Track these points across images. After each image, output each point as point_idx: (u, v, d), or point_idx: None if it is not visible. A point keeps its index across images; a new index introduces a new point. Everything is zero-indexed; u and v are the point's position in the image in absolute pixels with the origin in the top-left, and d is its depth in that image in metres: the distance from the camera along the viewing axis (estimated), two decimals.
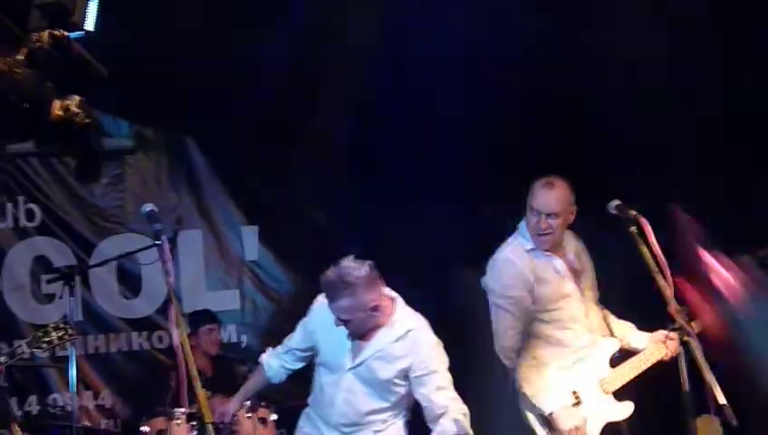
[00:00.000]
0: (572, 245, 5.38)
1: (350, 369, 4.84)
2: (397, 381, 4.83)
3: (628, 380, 5.17)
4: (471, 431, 4.75)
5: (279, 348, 5.17)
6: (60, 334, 5.21)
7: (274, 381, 5.21)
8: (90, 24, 3.02)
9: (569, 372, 5.17)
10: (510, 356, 5.23)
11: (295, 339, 5.09)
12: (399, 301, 4.89)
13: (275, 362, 5.14)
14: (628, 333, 5.36)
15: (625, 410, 5.16)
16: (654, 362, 5.16)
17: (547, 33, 6.50)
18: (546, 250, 5.26)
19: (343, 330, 4.81)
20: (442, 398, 4.77)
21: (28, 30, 3.03)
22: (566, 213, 5.21)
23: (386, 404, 4.88)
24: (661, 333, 5.11)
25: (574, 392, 5.12)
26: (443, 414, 4.73)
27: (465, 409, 4.78)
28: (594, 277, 5.44)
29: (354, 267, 4.68)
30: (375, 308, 4.74)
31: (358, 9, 6.47)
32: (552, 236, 5.21)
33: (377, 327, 4.80)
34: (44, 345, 5.18)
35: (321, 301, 4.93)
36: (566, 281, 5.28)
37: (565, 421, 5.06)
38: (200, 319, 7.19)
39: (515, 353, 5.22)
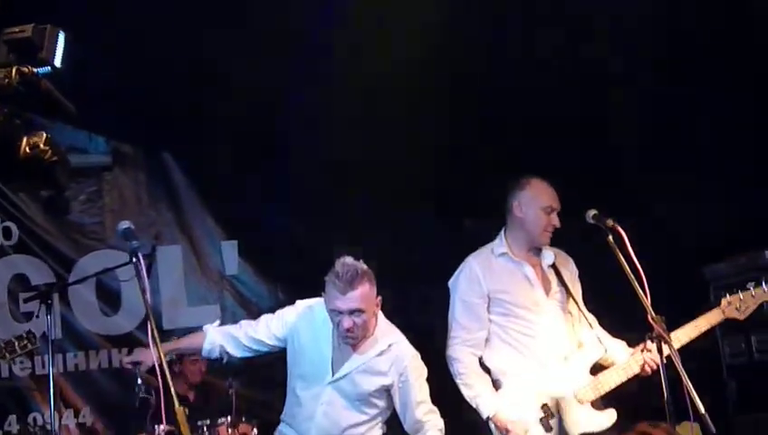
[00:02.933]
0: (551, 256, 5.37)
1: (330, 382, 4.83)
2: (377, 394, 4.85)
3: (605, 390, 5.14)
4: None
5: (230, 328, 5.08)
6: (23, 343, 5.28)
7: (204, 355, 5.15)
8: (58, 61, 3.02)
9: (537, 383, 5.15)
10: (452, 364, 5.24)
11: (260, 332, 4.99)
12: (381, 314, 4.89)
13: (218, 338, 5.03)
14: (614, 347, 5.28)
15: (605, 419, 5.13)
16: (632, 374, 5.13)
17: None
18: (543, 245, 5.26)
19: (326, 341, 4.82)
20: (420, 412, 4.85)
21: None
22: None
23: (365, 417, 4.89)
24: (640, 345, 5.10)
25: (544, 405, 5.10)
26: (420, 429, 4.84)
27: (440, 423, 4.89)
28: (578, 293, 5.41)
29: (358, 261, 4.70)
30: (378, 305, 4.76)
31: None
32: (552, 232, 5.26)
33: (364, 338, 4.79)
34: (8, 355, 5.24)
35: (307, 307, 4.93)
36: (536, 289, 5.28)
37: (505, 419, 5.04)
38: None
39: (459, 363, 5.22)
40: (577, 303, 5.33)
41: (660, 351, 4.48)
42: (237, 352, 5.05)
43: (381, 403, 4.90)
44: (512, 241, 5.32)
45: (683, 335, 5.06)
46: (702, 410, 4.28)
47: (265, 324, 5.02)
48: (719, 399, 6.25)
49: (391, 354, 4.83)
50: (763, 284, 5.15)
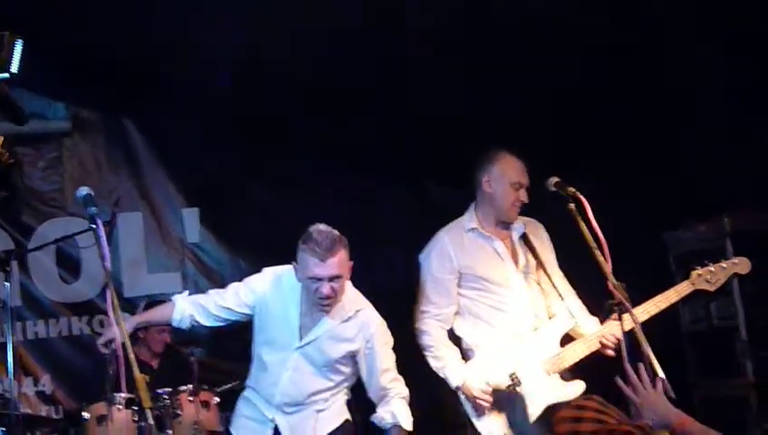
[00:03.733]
0: (521, 227, 5.38)
1: (297, 348, 4.86)
2: (343, 361, 4.90)
3: (572, 361, 5.18)
4: (409, 417, 4.83)
5: (199, 298, 5.10)
6: None
7: (174, 325, 5.16)
8: (15, 67, 3.00)
9: (507, 354, 5.18)
10: (420, 337, 5.27)
11: (229, 300, 5.01)
12: (348, 282, 4.90)
13: (187, 308, 5.06)
14: (585, 320, 5.31)
15: (572, 390, 5.16)
16: (595, 348, 5.16)
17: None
18: (512, 220, 5.24)
19: (294, 307, 4.86)
20: (385, 379, 4.91)
21: None
22: None
23: (330, 384, 4.92)
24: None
25: (512, 375, 5.14)
26: (385, 396, 4.88)
27: (405, 392, 4.95)
28: (552, 261, 5.42)
29: (330, 228, 4.74)
30: (351, 271, 4.79)
31: None
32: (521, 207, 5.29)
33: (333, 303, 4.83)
34: None
35: (275, 275, 4.96)
36: (506, 264, 5.30)
37: (473, 388, 5.08)
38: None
39: (428, 336, 5.25)
40: (548, 274, 5.35)
41: (620, 318, 4.50)
42: (207, 322, 5.06)
43: (347, 370, 4.94)
44: (481, 216, 5.35)
45: (652, 307, 5.10)
46: (662, 375, 4.32)
47: (234, 292, 5.04)
48: (678, 365, 6.31)
49: (358, 321, 4.89)
50: (733, 257, 5.20)
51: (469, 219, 5.37)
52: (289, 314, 4.88)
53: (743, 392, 6.37)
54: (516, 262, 5.34)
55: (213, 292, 5.13)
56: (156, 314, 5.29)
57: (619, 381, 3.22)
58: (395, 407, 4.89)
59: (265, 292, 4.95)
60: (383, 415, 4.89)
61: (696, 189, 6.76)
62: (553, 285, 5.34)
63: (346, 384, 5.00)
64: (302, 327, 4.87)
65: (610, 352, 5.07)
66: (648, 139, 6.81)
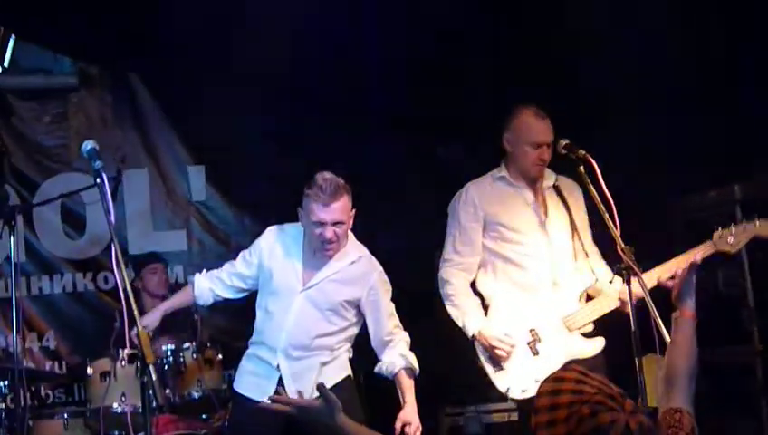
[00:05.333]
0: (552, 177, 5.33)
1: (302, 291, 4.93)
2: (346, 305, 4.97)
3: (591, 319, 5.14)
4: (416, 362, 4.92)
5: (214, 272, 5.20)
6: None
7: (199, 303, 5.27)
8: (6, 62, 2.98)
9: (527, 309, 5.15)
10: (442, 286, 5.27)
11: (239, 265, 5.12)
12: (349, 232, 4.98)
13: (205, 283, 5.17)
14: (607, 281, 5.21)
15: (593, 346, 5.13)
16: (608, 309, 5.13)
17: None
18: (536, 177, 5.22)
19: (297, 255, 4.94)
20: (391, 324, 5.01)
21: None
22: None
23: (335, 328, 4.98)
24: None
25: (531, 330, 5.11)
26: (390, 341, 4.98)
27: (407, 336, 5.03)
28: (583, 219, 5.36)
29: (335, 175, 4.82)
30: (353, 218, 4.87)
31: None
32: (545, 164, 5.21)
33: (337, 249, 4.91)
34: None
35: (278, 227, 5.07)
36: (534, 212, 5.25)
37: (490, 336, 5.06)
38: (143, 261, 7.10)
39: (450, 285, 5.24)
40: (577, 229, 5.29)
41: (629, 282, 4.46)
42: (227, 293, 5.18)
43: (350, 316, 5.01)
44: (510, 168, 5.29)
45: (674, 265, 4.98)
46: (669, 340, 4.27)
47: (241, 257, 5.14)
48: None
49: (360, 266, 4.98)
50: (757, 219, 5.09)
51: (499, 170, 5.34)
52: (292, 261, 4.96)
53: (748, 360, 6.35)
54: (545, 212, 5.28)
55: (227, 264, 5.20)
56: (177, 298, 5.37)
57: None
58: (404, 350, 4.96)
59: (269, 244, 5.04)
60: (392, 359, 4.94)
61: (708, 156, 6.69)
62: (581, 240, 5.29)
63: (350, 332, 5.05)
64: (306, 272, 4.95)
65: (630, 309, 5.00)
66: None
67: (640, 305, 4.43)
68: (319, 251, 4.89)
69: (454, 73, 7.18)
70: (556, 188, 5.30)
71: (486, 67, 7.14)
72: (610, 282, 5.14)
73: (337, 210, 4.73)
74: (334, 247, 4.85)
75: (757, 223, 5.04)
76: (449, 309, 5.26)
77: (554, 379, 2.56)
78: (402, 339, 5.00)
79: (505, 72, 7.03)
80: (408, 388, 4.88)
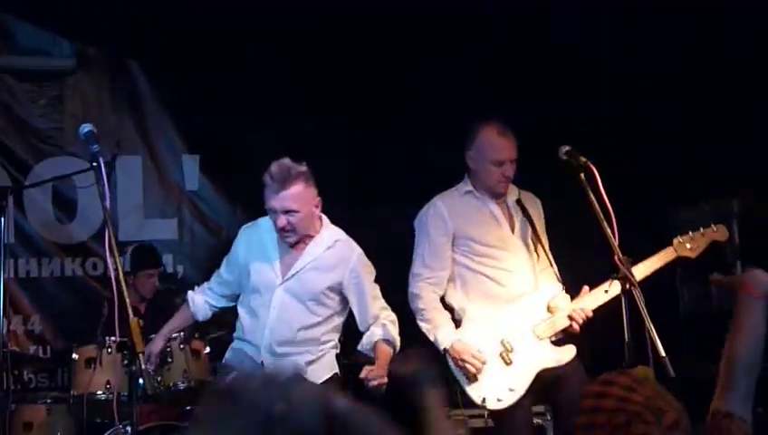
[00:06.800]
0: (515, 192, 5.31)
1: (280, 284, 4.88)
2: (327, 292, 4.91)
3: (561, 327, 5.11)
4: (398, 337, 4.88)
5: (205, 284, 5.19)
6: None
7: (198, 318, 5.23)
8: None
9: (497, 320, 5.12)
10: (412, 301, 5.21)
11: (222, 271, 5.12)
12: (325, 218, 4.95)
13: (200, 299, 5.15)
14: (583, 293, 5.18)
15: (564, 355, 5.11)
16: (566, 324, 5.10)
17: None
18: (501, 194, 5.19)
19: (272, 247, 4.88)
20: (376, 307, 4.93)
21: None
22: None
23: (318, 318, 4.92)
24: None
25: (503, 341, 5.08)
26: (374, 323, 4.90)
27: (393, 316, 4.96)
28: (543, 233, 5.34)
29: (296, 163, 4.73)
30: (317, 206, 4.81)
31: None
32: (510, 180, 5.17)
33: (308, 237, 4.85)
34: None
35: (244, 229, 5.06)
36: (502, 226, 5.23)
37: (462, 350, 5.02)
38: (143, 262, 6.98)
39: (420, 300, 5.18)
40: (540, 240, 5.28)
41: (626, 292, 4.44)
42: (222, 302, 5.18)
43: (333, 304, 4.95)
44: (475, 184, 5.25)
45: (637, 273, 5.00)
46: (662, 353, 4.26)
47: (225, 263, 5.14)
48: (676, 345, 6.26)
49: (336, 250, 4.91)
50: (712, 224, 5.18)
51: (464, 183, 5.30)
52: (268, 254, 4.91)
53: None
54: (511, 225, 5.26)
55: (215, 274, 5.20)
56: (177, 320, 5.33)
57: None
58: (387, 325, 4.87)
59: (244, 240, 5.03)
60: (372, 331, 4.86)
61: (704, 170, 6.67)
62: (544, 250, 5.28)
63: (335, 322, 4.98)
64: (283, 265, 4.89)
65: (576, 327, 5.00)
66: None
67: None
68: (281, 240, 4.84)
69: None
70: (519, 202, 5.29)
71: None
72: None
73: (287, 198, 4.65)
74: (290, 235, 4.78)
75: (713, 228, 5.13)
76: (420, 324, 5.20)
77: (603, 382, 2.48)
78: (387, 317, 4.92)
79: None
80: (383, 352, 4.79)
